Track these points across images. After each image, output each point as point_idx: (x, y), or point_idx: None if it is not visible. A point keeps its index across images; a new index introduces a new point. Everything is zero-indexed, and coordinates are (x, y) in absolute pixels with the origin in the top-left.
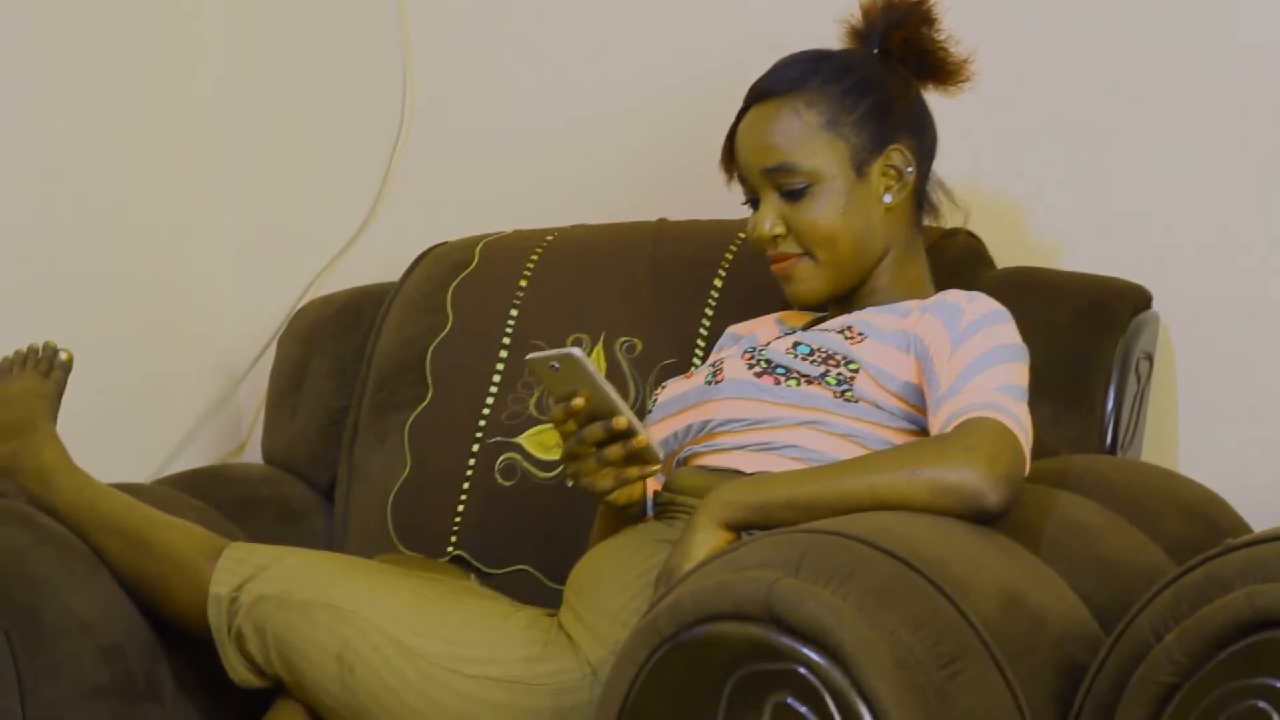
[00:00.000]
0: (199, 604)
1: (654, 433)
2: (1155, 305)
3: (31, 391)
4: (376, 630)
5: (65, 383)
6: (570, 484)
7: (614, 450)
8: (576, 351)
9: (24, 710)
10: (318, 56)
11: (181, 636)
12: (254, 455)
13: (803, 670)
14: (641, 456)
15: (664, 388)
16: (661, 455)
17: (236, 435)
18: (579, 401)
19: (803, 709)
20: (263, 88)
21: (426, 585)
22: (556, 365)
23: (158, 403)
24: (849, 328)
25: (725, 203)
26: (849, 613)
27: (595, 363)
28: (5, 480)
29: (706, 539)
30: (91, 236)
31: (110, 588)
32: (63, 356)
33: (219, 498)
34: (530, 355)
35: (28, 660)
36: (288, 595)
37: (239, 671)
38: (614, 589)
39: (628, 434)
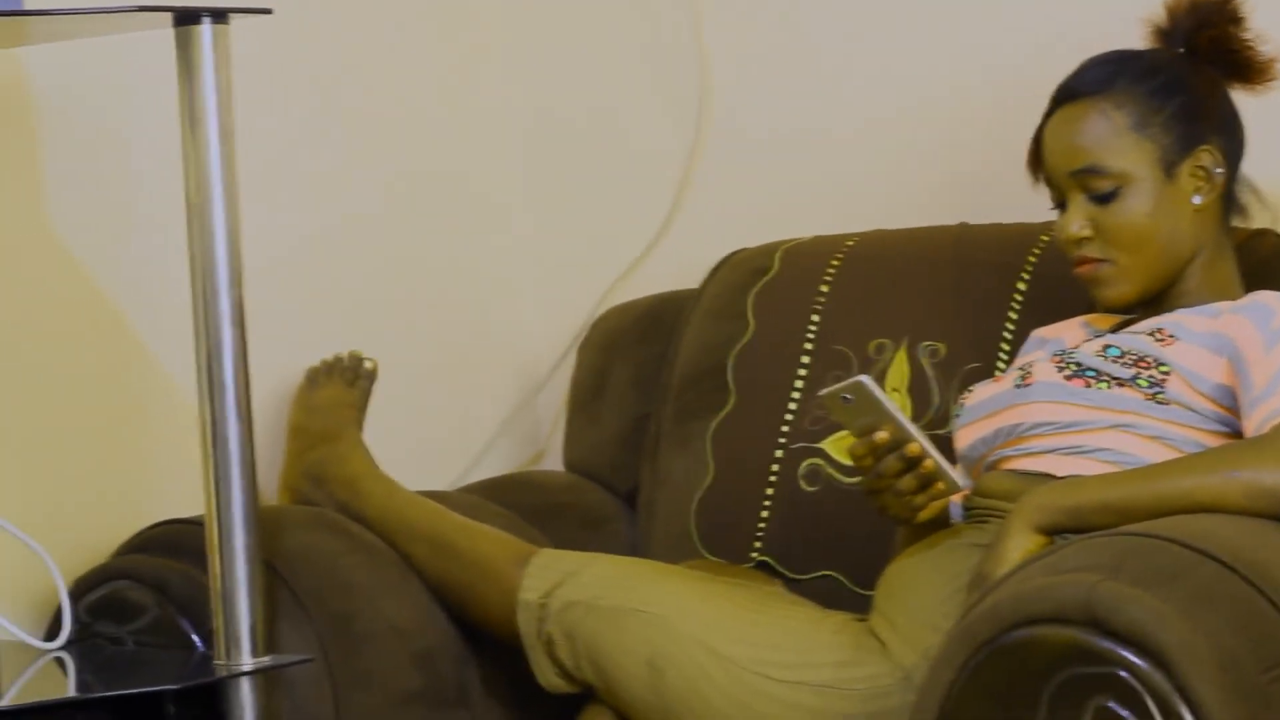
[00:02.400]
0: (508, 610)
1: (961, 437)
2: None
3: (338, 400)
4: (687, 636)
5: (370, 391)
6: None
7: (907, 481)
8: (866, 379)
9: (338, 714)
10: (613, 63)
11: (489, 642)
12: (552, 463)
13: (1124, 674)
14: (931, 480)
15: (970, 392)
16: (957, 476)
17: (535, 443)
18: (883, 435)
19: (1124, 713)
20: (558, 95)
21: (735, 590)
22: (849, 397)
23: (459, 411)
24: (1159, 330)
25: (1026, 206)
26: (1171, 616)
27: (898, 368)
28: (315, 488)
29: (1020, 542)
30: (393, 248)
31: (420, 594)
32: (368, 365)
33: (522, 505)
34: (821, 391)
35: (342, 666)
36: (597, 601)
37: (548, 677)
38: (926, 594)
39: (919, 459)
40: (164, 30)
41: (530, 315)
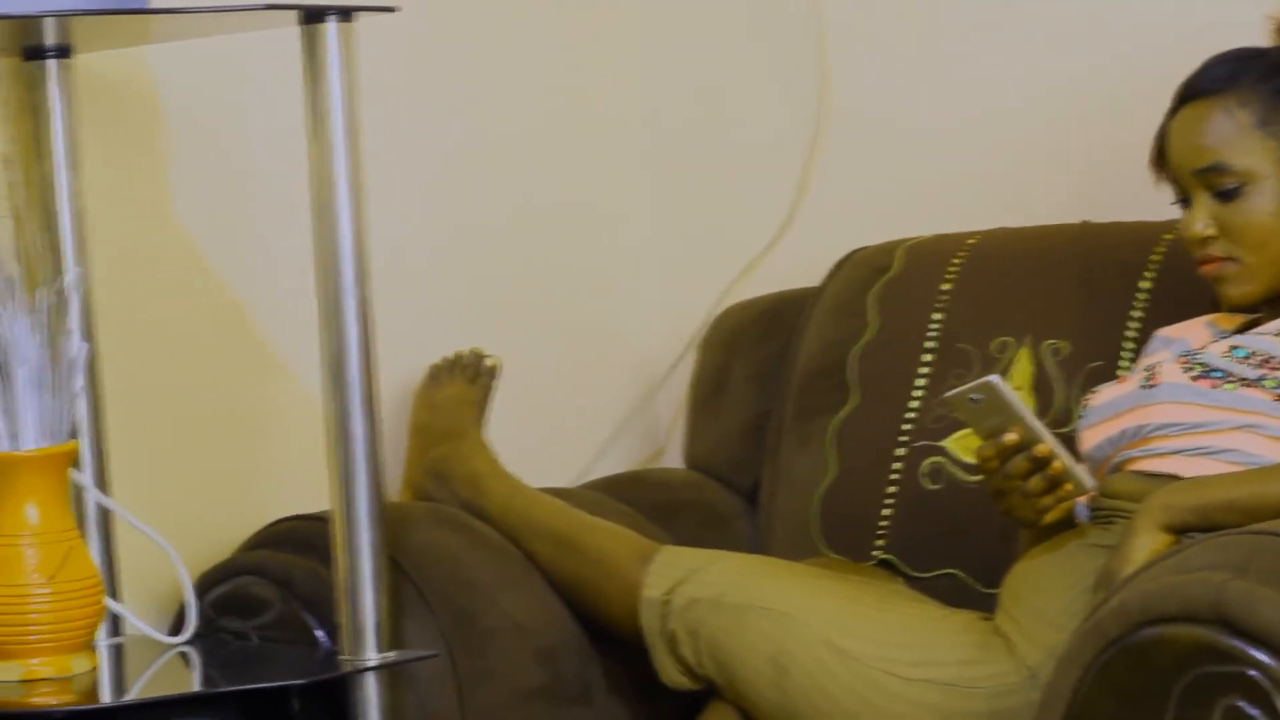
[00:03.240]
0: (630, 607)
1: (1086, 438)
2: None
3: (460, 398)
4: (811, 633)
5: (492, 389)
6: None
7: (1035, 483)
8: (996, 380)
9: (462, 711)
10: (733, 60)
11: (611, 639)
12: (671, 460)
13: (1254, 673)
14: (1059, 481)
15: (1095, 392)
16: (1085, 477)
17: (655, 440)
18: (1012, 437)
19: (1254, 712)
20: (678, 93)
21: (858, 588)
22: (977, 398)
23: (579, 408)
24: None
25: (1149, 204)
26: None
27: (1021, 367)
28: (437, 485)
29: (1146, 542)
30: (515, 246)
31: (542, 591)
32: (489, 363)
33: (643, 502)
34: (947, 393)
35: (465, 662)
36: (721, 598)
37: (671, 674)
38: (1051, 594)
39: (1048, 460)
40: (288, 29)
41: (650, 313)
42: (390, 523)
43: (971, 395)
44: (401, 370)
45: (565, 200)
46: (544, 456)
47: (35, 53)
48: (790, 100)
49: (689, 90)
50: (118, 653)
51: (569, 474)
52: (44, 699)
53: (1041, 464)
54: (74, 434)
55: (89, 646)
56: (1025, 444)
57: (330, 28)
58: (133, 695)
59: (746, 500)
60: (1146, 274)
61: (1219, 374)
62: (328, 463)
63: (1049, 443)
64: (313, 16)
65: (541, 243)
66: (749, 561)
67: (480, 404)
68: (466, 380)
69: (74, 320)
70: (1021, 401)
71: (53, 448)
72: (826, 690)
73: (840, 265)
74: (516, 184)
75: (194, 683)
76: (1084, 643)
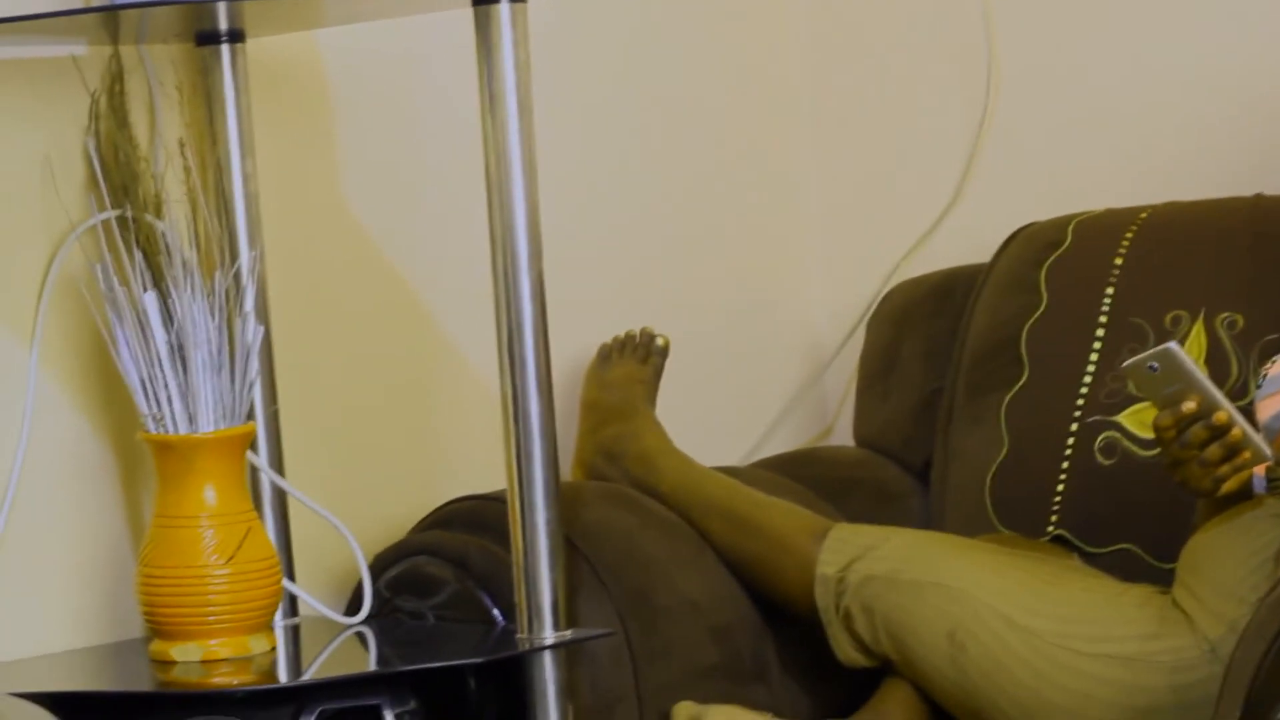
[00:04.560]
0: (805, 584)
1: (1264, 408)
2: None
3: (630, 377)
4: (988, 609)
5: (663, 368)
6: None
7: (1213, 451)
8: (1174, 346)
9: (638, 688)
10: (900, 33)
11: (784, 616)
12: (840, 438)
13: None
14: (1238, 449)
15: (1274, 362)
16: (1264, 446)
17: (823, 418)
18: (1190, 406)
19: None
20: (845, 67)
21: (1033, 564)
22: (1154, 365)
23: (748, 387)
24: None
25: None
26: None
27: (1196, 340)
28: (609, 464)
29: None
30: (684, 225)
31: (716, 568)
32: (659, 342)
33: (814, 479)
34: (1125, 363)
35: (641, 640)
36: (897, 575)
37: (846, 651)
38: (1230, 566)
39: (1227, 428)
40: (460, 10)
41: (818, 291)
42: (564, 501)
43: (1149, 363)
44: (571, 350)
45: (734, 178)
46: (713, 435)
47: (208, 38)
48: (959, 75)
49: (857, 67)
50: (295, 633)
51: (738, 452)
52: (224, 679)
53: (1220, 432)
54: (250, 416)
55: (267, 627)
56: (1203, 412)
57: (503, 8)
58: (310, 675)
59: (917, 478)
60: None
61: None
62: (504, 442)
63: (1227, 410)
64: None
65: (711, 222)
66: (923, 538)
67: (651, 383)
68: (637, 359)
69: (249, 303)
70: (1199, 369)
71: (229, 430)
72: (1004, 666)
73: (1010, 241)
74: (686, 164)
75: (370, 662)
76: (1270, 615)
